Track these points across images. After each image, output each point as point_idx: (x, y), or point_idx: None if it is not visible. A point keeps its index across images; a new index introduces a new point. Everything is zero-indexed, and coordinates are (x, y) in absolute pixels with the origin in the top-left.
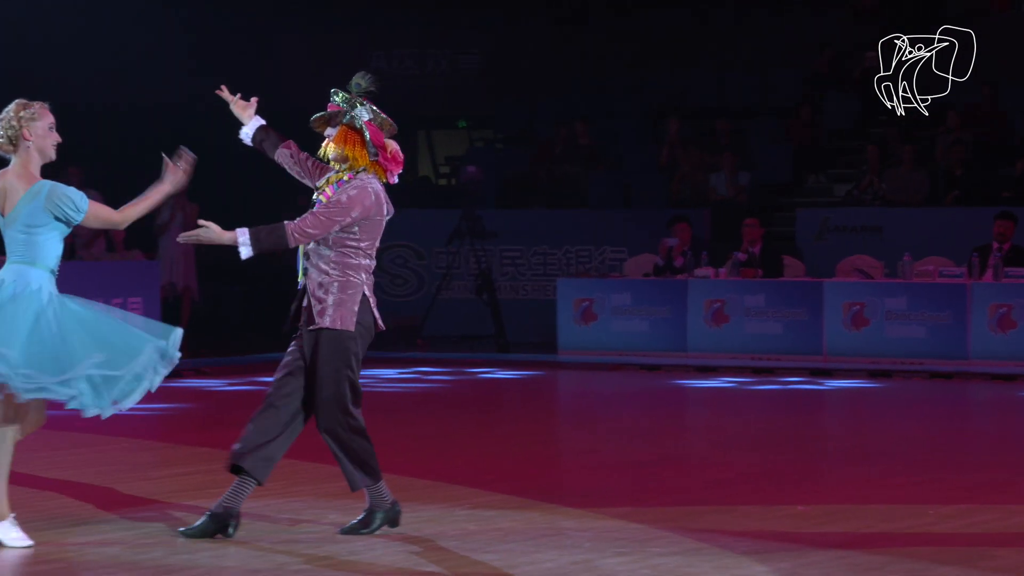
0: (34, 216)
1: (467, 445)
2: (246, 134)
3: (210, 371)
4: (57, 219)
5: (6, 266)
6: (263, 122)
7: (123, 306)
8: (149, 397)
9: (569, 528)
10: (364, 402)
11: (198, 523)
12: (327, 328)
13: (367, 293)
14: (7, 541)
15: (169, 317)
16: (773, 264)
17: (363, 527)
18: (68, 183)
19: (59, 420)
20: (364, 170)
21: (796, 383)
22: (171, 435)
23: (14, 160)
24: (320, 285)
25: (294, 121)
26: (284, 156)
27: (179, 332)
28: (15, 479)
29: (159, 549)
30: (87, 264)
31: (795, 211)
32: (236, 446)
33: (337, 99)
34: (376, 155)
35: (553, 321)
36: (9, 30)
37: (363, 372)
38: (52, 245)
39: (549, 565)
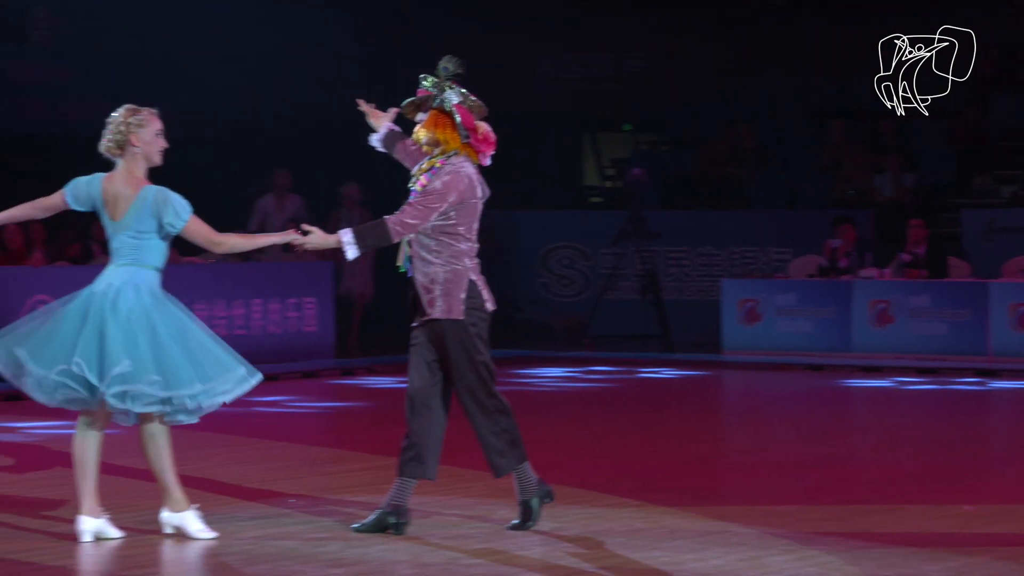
0: (142, 221)
1: (633, 443)
2: (376, 139)
3: (381, 369)
4: (160, 224)
5: (115, 268)
6: (396, 128)
7: (298, 306)
8: (324, 395)
9: (735, 526)
10: (531, 400)
11: (369, 519)
12: (440, 319)
13: (473, 277)
14: (192, 532)
15: (342, 318)
16: (938, 265)
17: (526, 520)
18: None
19: (234, 418)
20: (455, 153)
21: (961, 384)
22: (344, 432)
23: (120, 164)
24: (426, 275)
25: None
26: (399, 151)
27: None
28: (194, 477)
29: (334, 543)
30: (263, 265)
31: (960, 212)
32: (407, 454)
33: (426, 84)
34: (467, 137)
35: (717, 321)
36: (210, 49)
37: (529, 371)
38: (160, 247)
39: (716, 562)
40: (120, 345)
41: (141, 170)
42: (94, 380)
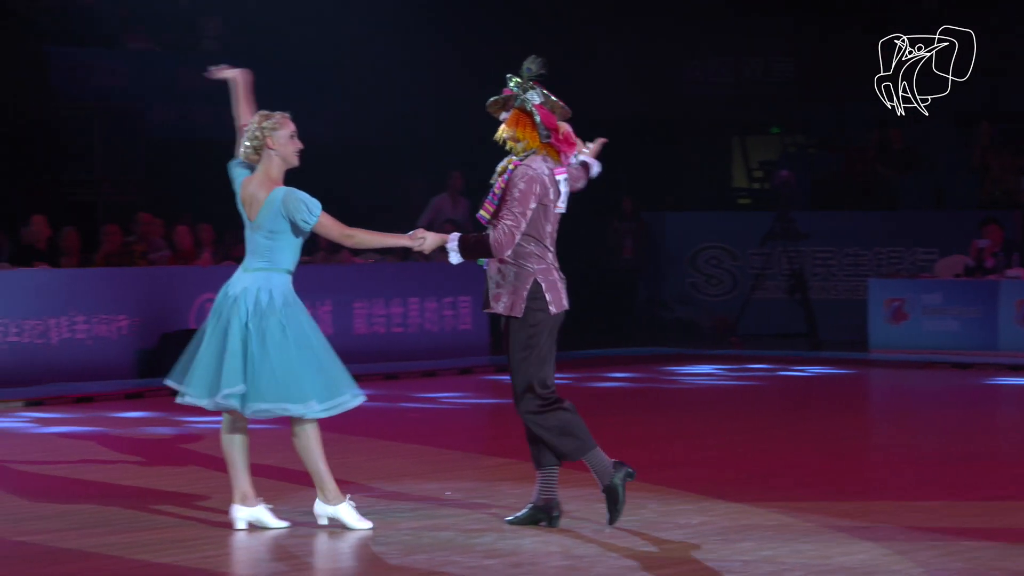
0: (274, 222)
1: (780, 440)
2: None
3: None
4: (291, 224)
5: (250, 272)
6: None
7: (454, 305)
8: (480, 391)
9: (882, 521)
10: (680, 397)
11: (523, 512)
12: (502, 315)
13: (539, 278)
14: (348, 523)
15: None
16: None
17: (613, 504)
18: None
19: (392, 413)
20: (534, 152)
21: None
22: (499, 427)
23: (258, 168)
24: (498, 271)
25: (612, 130)
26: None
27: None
28: (353, 469)
29: (488, 535)
30: (419, 265)
31: None
32: (533, 447)
33: (511, 84)
34: (548, 137)
35: (864, 320)
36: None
37: (677, 369)
38: (291, 249)
39: (863, 556)
40: (239, 362)
41: (277, 172)
42: (200, 399)
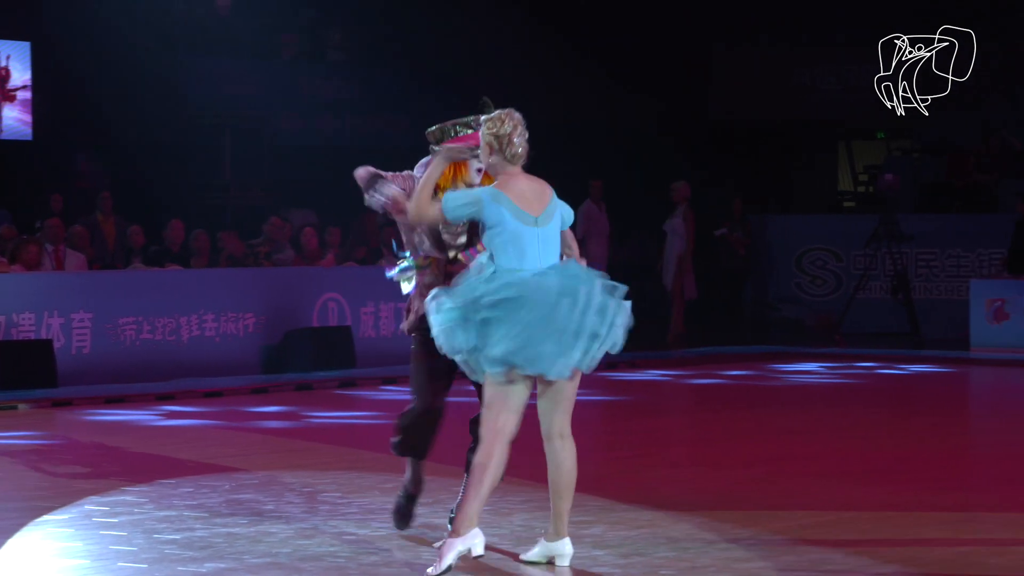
0: None
1: (882, 436)
2: None
3: (642, 364)
4: None
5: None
6: None
7: None
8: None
9: (983, 514)
10: (785, 395)
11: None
12: None
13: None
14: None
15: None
16: None
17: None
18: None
19: None
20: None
21: None
22: (610, 423)
23: None
24: None
25: (727, 134)
26: None
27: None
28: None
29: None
30: None
31: None
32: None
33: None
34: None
35: (966, 320)
36: None
37: (783, 366)
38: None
39: (963, 549)
40: None
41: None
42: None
